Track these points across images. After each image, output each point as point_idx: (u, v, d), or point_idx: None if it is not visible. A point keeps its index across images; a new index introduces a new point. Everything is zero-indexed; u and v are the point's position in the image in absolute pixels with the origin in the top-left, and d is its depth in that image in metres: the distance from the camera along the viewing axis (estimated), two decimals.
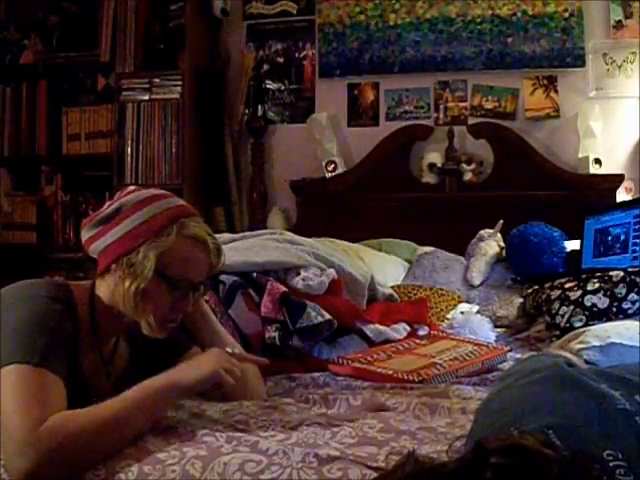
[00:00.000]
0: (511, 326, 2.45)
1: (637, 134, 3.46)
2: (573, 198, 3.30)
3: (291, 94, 3.87)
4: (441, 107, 3.70)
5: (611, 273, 2.05)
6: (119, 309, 1.28)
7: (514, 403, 0.90)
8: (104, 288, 1.30)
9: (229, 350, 1.32)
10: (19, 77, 3.88)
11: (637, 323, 1.84)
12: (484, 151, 3.60)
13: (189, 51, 3.66)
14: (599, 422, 0.81)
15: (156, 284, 1.25)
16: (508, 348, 1.94)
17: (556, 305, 2.08)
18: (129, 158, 3.66)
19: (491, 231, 3.11)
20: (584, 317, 1.99)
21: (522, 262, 2.90)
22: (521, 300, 2.45)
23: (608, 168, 3.42)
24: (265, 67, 3.88)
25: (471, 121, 3.65)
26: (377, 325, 1.96)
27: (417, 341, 1.96)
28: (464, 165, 3.55)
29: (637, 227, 2.49)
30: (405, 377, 1.59)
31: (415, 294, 2.58)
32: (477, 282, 2.92)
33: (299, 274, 1.95)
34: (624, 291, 1.97)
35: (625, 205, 2.73)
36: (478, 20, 3.63)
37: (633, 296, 1.96)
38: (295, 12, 3.86)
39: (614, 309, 1.97)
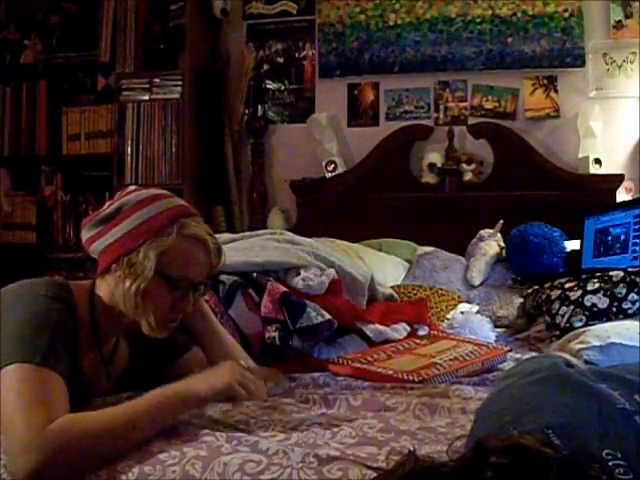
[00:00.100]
0: (511, 326, 2.45)
1: (637, 134, 3.46)
2: (573, 198, 3.30)
3: (291, 94, 3.87)
4: (441, 107, 3.70)
5: (611, 273, 2.05)
6: (119, 309, 1.28)
7: (514, 403, 0.90)
8: (104, 288, 1.30)
9: (243, 363, 1.32)
10: (19, 77, 3.88)
11: (637, 323, 1.84)
12: (484, 151, 3.60)
13: (189, 51, 3.66)
14: (598, 422, 0.81)
15: (156, 284, 1.25)
16: (508, 348, 1.94)
17: (556, 305, 2.08)
18: (129, 158, 3.65)
19: (491, 231, 3.11)
20: (584, 317, 1.99)
21: (522, 262, 2.90)
22: (521, 300, 2.45)
23: (608, 168, 3.42)
24: (265, 67, 3.88)
25: (471, 121, 3.65)
26: (377, 325, 1.96)
27: (417, 341, 1.96)
28: (464, 165, 3.55)
29: (637, 227, 2.49)
30: (405, 377, 1.59)
31: (415, 294, 2.58)
32: (477, 282, 2.92)
33: (299, 274, 1.95)
34: (624, 291, 1.97)
35: (625, 205, 2.73)
36: (478, 20, 3.63)
37: (633, 296, 1.96)
38: (295, 12, 3.86)
39: (614, 309, 1.97)
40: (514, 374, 1.01)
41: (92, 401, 1.28)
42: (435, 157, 3.59)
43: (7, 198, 3.90)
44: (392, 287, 2.53)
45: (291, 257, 2.01)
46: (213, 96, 3.79)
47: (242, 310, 1.77)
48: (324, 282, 1.95)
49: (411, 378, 1.59)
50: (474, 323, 2.19)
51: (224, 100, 3.82)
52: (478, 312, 2.47)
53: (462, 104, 3.68)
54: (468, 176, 3.55)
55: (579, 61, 3.53)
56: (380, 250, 3.16)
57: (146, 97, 3.66)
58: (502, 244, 3.07)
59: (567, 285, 2.11)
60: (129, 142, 3.65)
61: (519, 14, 3.58)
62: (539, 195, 3.39)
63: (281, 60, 3.88)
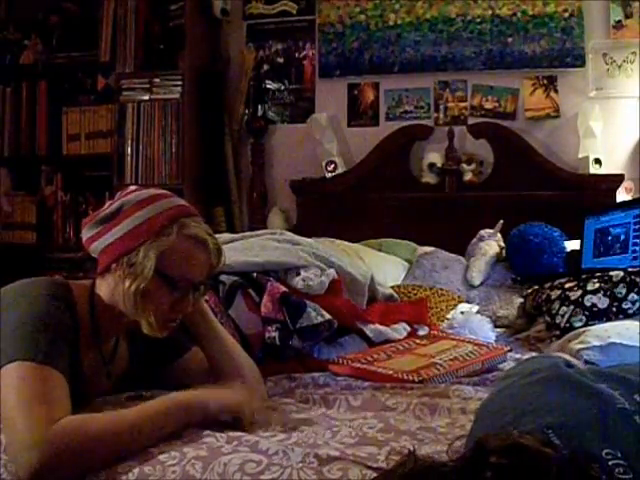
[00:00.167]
0: (511, 326, 2.45)
1: (637, 134, 3.46)
2: (573, 198, 3.30)
3: (291, 94, 3.87)
4: (441, 107, 3.70)
5: (611, 273, 2.05)
6: (119, 308, 1.28)
7: (514, 403, 0.91)
8: (104, 287, 1.30)
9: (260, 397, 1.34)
10: (19, 77, 3.88)
11: (637, 323, 1.84)
12: (484, 151, 3.60)
13: (189, 51, 3.66)
14: (598, 421, 0.81)
15: (156, 284, 1.25)
16: (508, 348, 1.94)
17: (556, 305, 2.08)
18: (129, 158, 3.66)
19: (491, 231, 3.11)
20: (584, 317, 1.99)
21: (522, 262, 2.90)
22: (521, 300, 2.45)
23: (608, 168, 3.42)
24: (265, 67, 3.88)
25: (471, 121, 3.65)
26: (377, 325, 1.96)
27: (417, 341, 1.96)
28: (464, 165, 3.55)
29: (637, 227, 2.49)
30: (405, 377, 1.59)
31: (415, 294, 2.58)
32: (477, 282, 2.92)
33: (299, 274, 1.95)
34: (624, 291, 1.97)
35: (625, 205, 2.73)
36: (478, 20, 3.63)
37: (633, 296, 1.96)
38: (295, 12, 3.86)
39: (614, 309, 1.97)
40: (514, 374, 1.01)
41: (92, 401, 1.28)
42: (435, 157, 3.59)
43: (7, 198, 3.90)
44: (392, 287, 2.53)
45: (291, 257, 2.01)
46: (213, 96, 3.79)
47: (242, 310, 1.77)
48: (324, 282, 1.94)
49: (411, 378, 1.59)
50: (474, 323, 2.19)
51: (224, 100, 3.82)
52: (478, 312, 2.47)
53: (462, 104, 3.68)
54: (468, 176, 3.54)
55: (579, 61, 3.53)
56: (380, 250, 3.16)
57: (146, 97, 3.66)
58: (502, 244, 3.08)
59: (567, 285, 2.11)
60: (129, 142, 3.66)
61: (519, 14, 3.59)
62: (539, 195, 3.39)
63: (281, 60, 3.88)
